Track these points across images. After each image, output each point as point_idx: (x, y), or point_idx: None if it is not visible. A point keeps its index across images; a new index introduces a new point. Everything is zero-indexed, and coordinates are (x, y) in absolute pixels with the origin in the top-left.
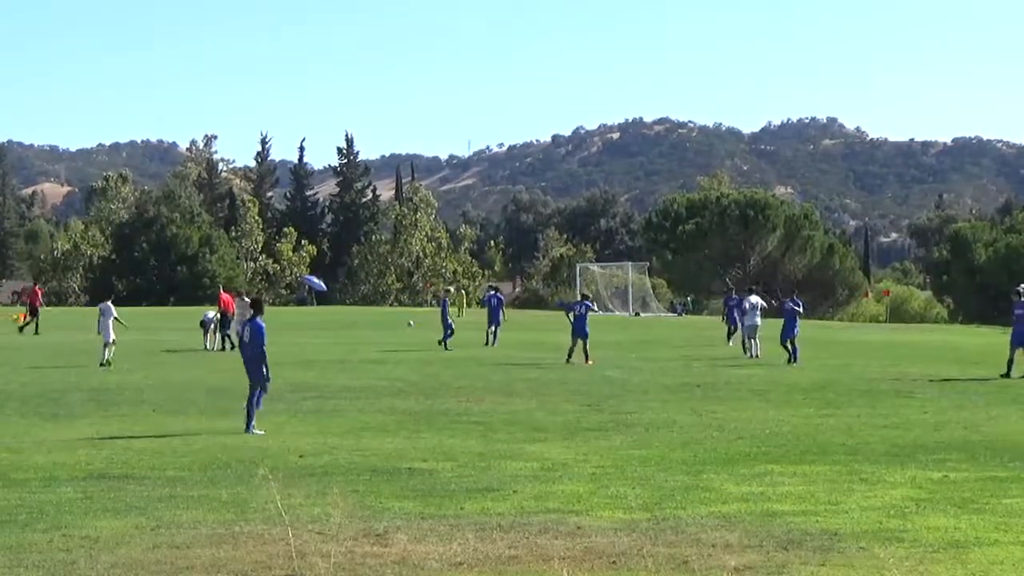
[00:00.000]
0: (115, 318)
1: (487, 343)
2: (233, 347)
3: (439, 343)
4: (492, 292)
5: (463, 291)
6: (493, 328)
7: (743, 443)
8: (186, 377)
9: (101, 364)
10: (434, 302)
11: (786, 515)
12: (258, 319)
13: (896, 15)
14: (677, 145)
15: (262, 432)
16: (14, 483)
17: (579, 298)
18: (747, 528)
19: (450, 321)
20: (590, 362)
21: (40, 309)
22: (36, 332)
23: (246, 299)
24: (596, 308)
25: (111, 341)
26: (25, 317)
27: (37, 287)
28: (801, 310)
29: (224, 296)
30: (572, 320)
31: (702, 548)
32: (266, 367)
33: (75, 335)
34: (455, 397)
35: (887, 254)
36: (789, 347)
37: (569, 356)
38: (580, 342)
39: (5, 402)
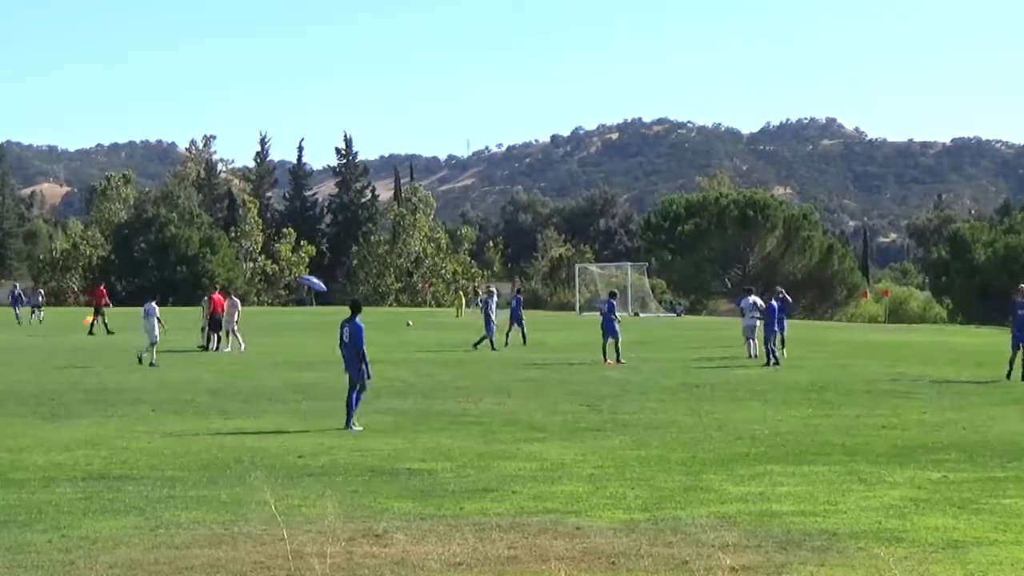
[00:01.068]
0: (157, 318)
1: (524, 342)
2: (207, 347)
3: (478, 344)
4: (514, 293)
5: (460, 292)
6: (519, 327)
7: (742, 443)
8: (185, 377)
9: (140, 362)
10: (432, 302)
11: (785, 515)
12: (357, 319)
13: (895, 15)
14: (676, 145)
15: (360, 428)
16: (13, 483)
17: (607, 296)
18: (746, 528)
19: (493, 324)
20: (622, 361)
21: (104, 308)
22: (108, 331)
23: (235, 299)
24: (600, 308)
25: (155, 341)
26: (95, 318)
27: (102, 287)
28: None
29: (215, 297)
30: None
31: (701, 548)
32: (366, 365)
33: (74, 335)
34: (453, 397)
35: (886, 254)
36: (768, 347)
37: (604, 355)
38: (611, 340)
39: (5, 402)
